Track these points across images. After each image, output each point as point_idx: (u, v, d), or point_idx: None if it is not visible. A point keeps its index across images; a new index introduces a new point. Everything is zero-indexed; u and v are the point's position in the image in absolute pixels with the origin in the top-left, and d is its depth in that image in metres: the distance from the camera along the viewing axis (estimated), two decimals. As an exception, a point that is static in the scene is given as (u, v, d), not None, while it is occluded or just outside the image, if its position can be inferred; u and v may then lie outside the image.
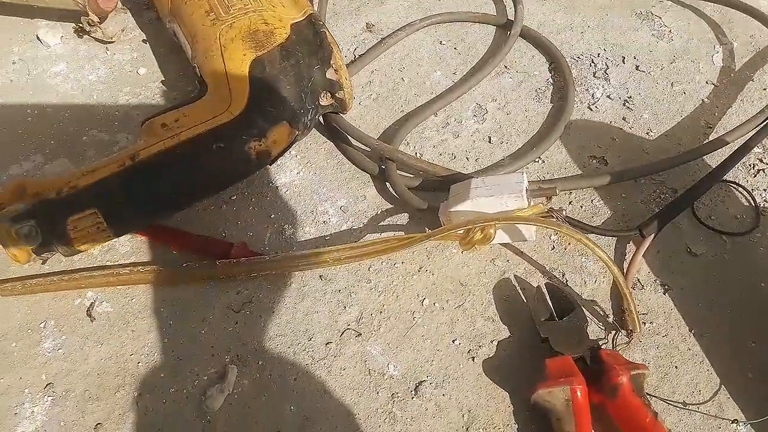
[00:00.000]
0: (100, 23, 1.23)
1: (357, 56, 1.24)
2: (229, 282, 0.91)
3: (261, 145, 0.93)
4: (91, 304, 0.91)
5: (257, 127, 0.93)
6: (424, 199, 0.98)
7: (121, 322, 0.90)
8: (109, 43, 1.25)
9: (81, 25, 1.22)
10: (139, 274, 0.91)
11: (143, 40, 1.28)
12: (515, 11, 1.28)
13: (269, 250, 0.95)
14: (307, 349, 0.86)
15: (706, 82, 1.17)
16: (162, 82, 1.20)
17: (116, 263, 0.95)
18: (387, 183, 1.03)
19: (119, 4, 1.29)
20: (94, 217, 0.84)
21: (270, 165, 0.99)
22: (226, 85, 0.95)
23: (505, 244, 0.94)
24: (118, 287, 0.92)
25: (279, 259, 0.90)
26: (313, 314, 0.89)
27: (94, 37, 1.24)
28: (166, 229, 0.96)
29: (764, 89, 1.14)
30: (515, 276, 0.91)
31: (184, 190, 0.91)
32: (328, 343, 0.86)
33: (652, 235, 0.90)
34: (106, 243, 0.94)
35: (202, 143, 0.90)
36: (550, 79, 1.19)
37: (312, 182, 1.05)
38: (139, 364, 0.85)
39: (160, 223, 0.96)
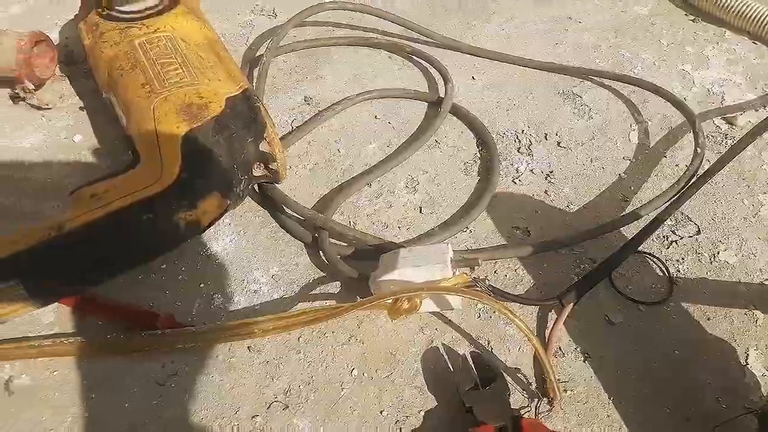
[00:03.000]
0: (36, 90, 1.23)
1: (294, 127, 1.28)
2: (154, 354, 0.90)
3: (191, 215, 0.93)
4: (9, 378, 0.88)
5: (187, 197, 0.94)
6: (356, 268, 1.00)
7: (41, 396, 0.86)
8: (46, 109, 1.24)
9: (16, 91, 1.23)
10: (62, 345, 0.89)
11: (80, 108, 1.28)
12: (445, 89, 1.35)
13: (197, 321, 0.94)
14: (232, 423, 0.84)
15: (623, 158, 1.25)
16: (97, 150, 1.20)
17: (38, 334, 0.93)
18: (320, 251, 1.05)
19: (57, 72, 1.30)
20: (15, 289, 0.82)
21: (200, 234, 1.00)
22: (159, 156, 0.96)
23: (434, 313, 0.96)
24: (39, 359, 0.89)
25: (205, 331, 0.89)
26: (240, 386, 0.88)
27: (29, 104, 1.24)
28: (91, 298, 0.94)
29: (676, 165, 1.23)
30: (443, 344, 0.92)
31: (112, 261, 0.90)
32: (254, 416, 0.85)
33: (572, 304, 0.93)
34: (29, 312, 0.91)
35: (131, 214, 0.90)
36: (478, 154, 1.25)
37: (245, 250, 1.05)
38: (56, 441, 0.82)
39: (86, 292, 0.94)
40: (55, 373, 0.89)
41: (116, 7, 1.20)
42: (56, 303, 0.94)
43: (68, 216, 0.89)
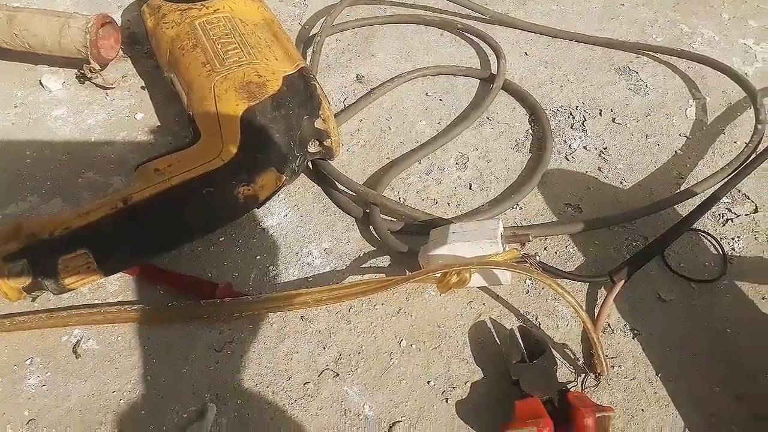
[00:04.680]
0: (101, 70, 1.28)
1: (346, 105, 1.30)
2: (212, 321, 0.94)
3: (249, 190, 0.97)
4: (77, 342, 0.93)
5: (246, 172, 0.97)
6: (406, 243, 1.01)
7: (106, 359, 0.92)
8: (109, 89, 1.30)
9: (83, 71, 1.28)
10: (126, 312, 0.94)
11: (142, 87, 1.33)
12: (498, 65, 1.34)
13: (253, 291, 0.98)
14: (285, 389, 0.88)
15: (680, 135, 1.22)
16: (158, 127, 1.25)
17: (104, 302, 0.98)
18: (371, 227, 1.07)
19: (120, 53, 1.35)
20: (84, 257, 0.87)
21: (258, 209, 1.03)
22: (219, 132, 1.00)
23: (481, 288, 0.96)
24: (104, 325, 0.95)
25: (262, 300, 0.92)
26: (293, 354, 0.91)
27: (94, 83, 1.30)
28: (154, 268, 0.99)
29: (734, 142, 1.19)
30: (490, 318, 0.93)
31: (174, 232, 0.94)
32: (306, 383, 0.88)
33: (623, 281, 0.93)
34: (96, 281, 0.96)
35: (193, 188, 0.94)
36: (530, 130, 1.24)
37: (298, 225, 1.08)
38: (121, 401, 0.87)
39: (148, 263, 0.99)
40: (119, 338, 0.94)
41: (177, -11, 1.24)
42: (121, 272, 0.99)
43: (133, 190, 0.93)
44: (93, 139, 1.22)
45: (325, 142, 1.09)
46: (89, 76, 1.27)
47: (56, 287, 0.88)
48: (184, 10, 1.22)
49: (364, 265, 1.02)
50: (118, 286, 1.00)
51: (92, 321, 0.94)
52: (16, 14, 1.26)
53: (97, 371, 0.91)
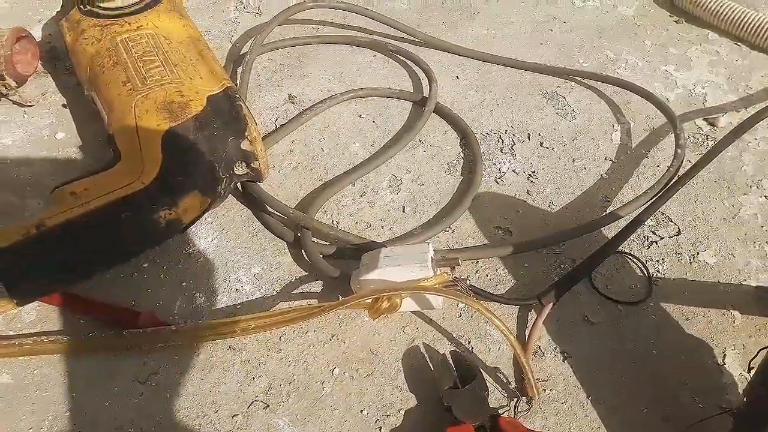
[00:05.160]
0: (18, 87, 1.22)
1: (278, 126, 1.28)
2: (136, 352, 0.90)
3: (172, 213, 0.93)
4: (-13, 377, 0.87)
5: (169, 195, 0.94)
6: (339, 267, 1.00)
7: (22, 395, 0.86)
8: (28, 106, 1.24)
9: (-3, 88, 1.22)
10: (44, 344, 0.89)
11: (63, 105, 1.28)
12: (429, 89, 1.35)
13: (179, 320, 0.94)
14: (213, 422, 0.85)
15: (605, 159, 1.26)
16: (80, 147, 1.19)
17: (20, 333, 0.92)
18: (302, 251, 1.05)
19: (39, 69, 1.29)
20: (-6, 287, 0.82)
21: (182, 233, 1.00)
22: (139, 153, 0.96)
23: (415, 312, 0.96)
24: (20, 358, 0.89)
25: (187, 330, 0.89)
26: (220, 385, 0.88)
27: (11, 101, 1.23)
28: (73, 296, 0.94)
29: (657, 166, 1.24)
30: (424, 344, 0.93)
31: (92, 259, 0.90)
32: (234, 415, 0.85)
33: (551, 304, 0.94)
34: (9, 311, 0.90)
35: (111, 212, 0.90)
36: (461, 153, 1.25)
37: (226, 249, 1.05)
38: (36, 440, 0.82)
39: (67, 291, 0.94)
40: (35, 371, 0.88)
41: (98, 4, 1.19)
42: (37, 301, 0.93)
43: (47, 214, 0.89)
44: (9, 160, 1.16)
45: (252, 164, 1.06)
46: (5, 92, 1.21)
47: (-39, 320, 0.82)
48: (105, 26, 1.17)
49: (295, 291, 1.00)
50: (36, 315, 0.95)
51: (6, 354, 0.89)
52: (-77, 26, 1.18)
53: (11, 408, 0.85)
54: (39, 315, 0.95)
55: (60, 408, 0.85)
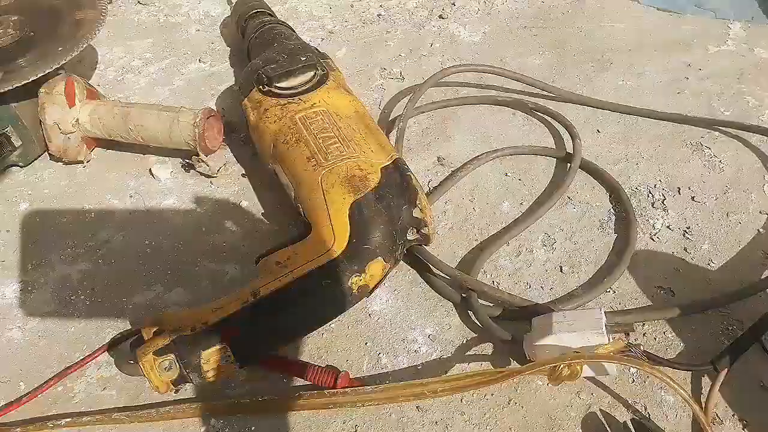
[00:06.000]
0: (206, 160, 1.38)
1: (431, 188, 1.37)
2: (335, 411, 0.99)
3: (361, 279, 1.04)
4: None
5: (357, 263, 1.04)
6: (505, 329, 1.07)
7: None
8: (213, 177, 1.39)
9: (188, 161, 1.39)
10: (258, 402, 1.00)
11: (242, 174, 1.43)
12: (573, 145, 1.40)
13: (367, 379, 1.04)
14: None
15: (760, 212, 1.26)
16: (262, 214, 1.33)
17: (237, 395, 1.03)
18: (469, 312, 1.12)
19: (222, 142, 1.45)
20: (223, 351, 0.95)
21: (368, 297, 1.10)
22: (330, 225, 1.07)
23: (588, 377, 1.01)
24: (237, 415, 1.00)
25: (384, 390, 0.98)
26: (413, 444, 0.96)
27: (199, 172, 1.39)
28: (278, 358, 1.06)
29: (815, 218, 1.23)
30: (600, 410, 0.97)
31: (301, 322, 1.02)
32: (427, 474, 0.93)
33: (726, 369, 0.97)
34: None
35: (313, 279, 1.01)
36: (612, 210, 1.29)
37: (400, 310, 1.14)
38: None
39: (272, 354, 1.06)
40: (253, 427, 0.99)
41: (276, 84, 1.33)
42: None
43: (260, 283, 1.01)
44: (204, 228, 1.31)
45: (422, 230, 1.15)
46: (195, 165, 1.37)
47: (199, 380, 0.95)
48: (284, 105, 1.31)
49: (468, 353, 1.07)
50: (245, 375, 1.06)
51: (223, 411, 1.01)
52: (130, 110, 1.37)
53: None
54: (249, 375, 1.05)
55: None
